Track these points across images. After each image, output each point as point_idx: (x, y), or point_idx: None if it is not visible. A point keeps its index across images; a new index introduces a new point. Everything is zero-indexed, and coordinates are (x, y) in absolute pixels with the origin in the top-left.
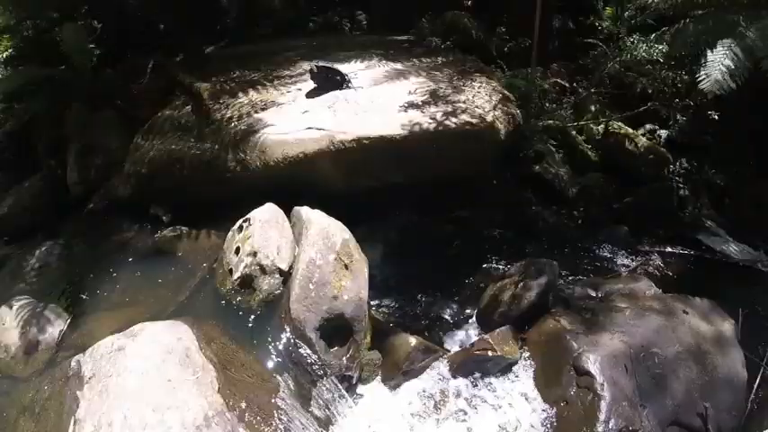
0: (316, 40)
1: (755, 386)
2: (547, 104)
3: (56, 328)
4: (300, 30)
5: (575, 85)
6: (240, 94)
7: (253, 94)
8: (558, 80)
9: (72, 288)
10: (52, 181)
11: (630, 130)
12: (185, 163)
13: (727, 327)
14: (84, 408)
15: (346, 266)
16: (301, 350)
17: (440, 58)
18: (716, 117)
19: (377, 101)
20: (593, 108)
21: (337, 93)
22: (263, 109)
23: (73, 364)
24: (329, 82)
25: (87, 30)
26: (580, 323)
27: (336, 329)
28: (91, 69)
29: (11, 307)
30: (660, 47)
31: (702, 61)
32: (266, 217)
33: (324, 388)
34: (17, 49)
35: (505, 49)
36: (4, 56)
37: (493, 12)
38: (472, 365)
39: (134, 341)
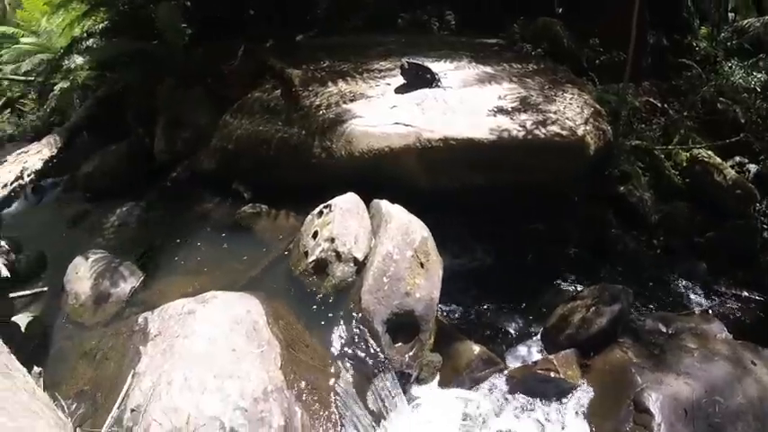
0: (405, 37)
1: None
2: (636, 123)
3: (128, 284)
4: (389, 26)
5: (666, 105)
6: (329, 84)
7: (342, 85)
8: (650, 99)
9: (148, 249)
10: (139, 147)
11: (719, 161)
12: (272, 145)
13: None
14: (145, 363)
15: (422, 265)
16: (366, 341)
17: (530, 65)
18: None
19: (466, 102)
20: (682, 132)
21: (426, 91)
22: (351, 100)
23: (140, 320)
24: (419, 79)
25: (180, 9)
26: (647, 358)
27: (403, 326)
28: (183, 47)
29: (87, 258)
30: (759, 75)
31: None
32: (347, 206)
33: (382, 382)
34: (112, 22)
35: (597, 61)
36: (100, 27)
37: (585, 21)
38: (532, 384)
39: (205, 307)
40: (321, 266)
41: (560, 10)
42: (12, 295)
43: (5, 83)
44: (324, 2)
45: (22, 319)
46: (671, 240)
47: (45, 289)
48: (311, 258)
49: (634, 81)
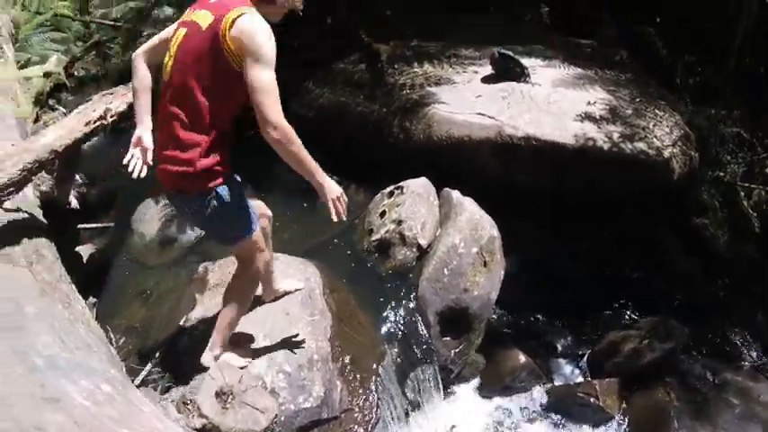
0: (494, 24)
1: None
2: (722, 154)
3: (194, 232)
4: (478, 8)
5: (755, 141)
6: (415, 64)
7: (428, 67)
8: (741, 131)
9: None
10: None
11: None
12: (351, 118)
13: None
14: (199, 311)
15: (485, 263)
16: (417, 329)
17: (623, 75)
18: None
19: (553, 103)
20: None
21: (514, 85)
22: (436, 84)
23: (200, 268)
24: (508, 72)
25: None
26: (688, 403)
27: (456, 321)
28: None
29: (157, 202)
30: None
31: None
32: (419, 190)
33: (425, 372)
34: None
35: (690, 79)
36: None
37: (683, 37)
38: (570, 405)
39: None
40: (384, 247)
41: (658, 19)
42: (79, 226)
43: (94, 26)
44: None
45: (84, 251)
46: (736, 286)
47: (111, 225)
48: (375, 237)
49: (727, 108)
